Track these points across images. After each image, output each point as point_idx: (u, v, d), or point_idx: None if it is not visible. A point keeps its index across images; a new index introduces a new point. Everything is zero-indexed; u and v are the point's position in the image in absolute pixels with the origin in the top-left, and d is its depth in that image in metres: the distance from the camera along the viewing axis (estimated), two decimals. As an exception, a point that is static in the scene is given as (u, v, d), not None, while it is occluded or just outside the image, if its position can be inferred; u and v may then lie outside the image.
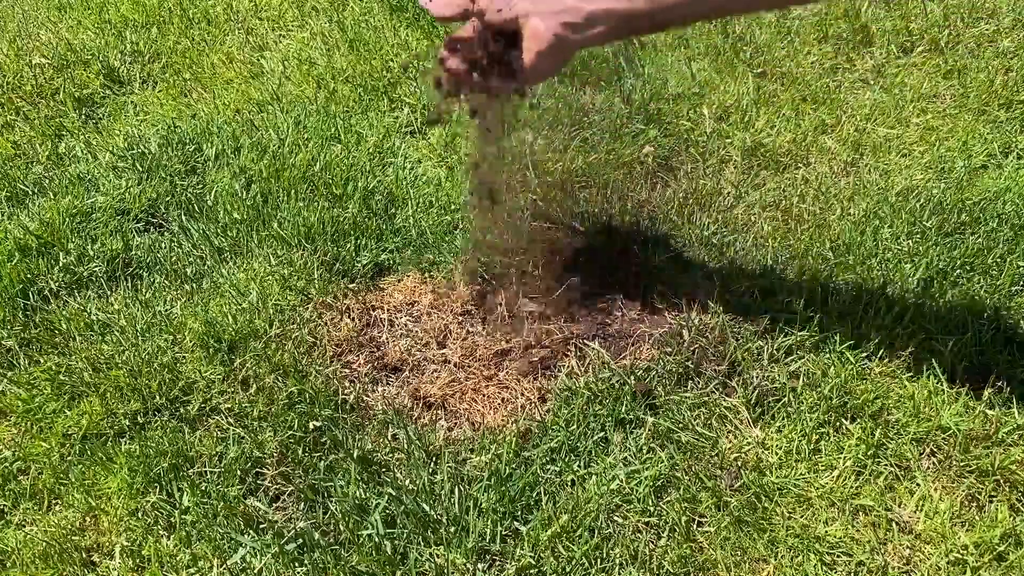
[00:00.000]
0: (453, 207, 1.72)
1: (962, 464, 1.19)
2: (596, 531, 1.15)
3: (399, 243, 1.65)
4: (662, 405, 1.31)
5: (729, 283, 1.50)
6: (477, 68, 1.04)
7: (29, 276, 1.64)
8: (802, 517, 1.16)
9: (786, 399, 1.30)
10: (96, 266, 1.66)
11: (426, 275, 1.60)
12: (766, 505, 1.17)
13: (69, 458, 1.33)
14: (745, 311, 1.45)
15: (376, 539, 1.15)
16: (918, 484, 1.19)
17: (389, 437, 1.31)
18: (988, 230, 1.55)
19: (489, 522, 1.16)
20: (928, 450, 1.23)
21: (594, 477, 1.22)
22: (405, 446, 1.28)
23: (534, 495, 1.20)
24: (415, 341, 1.48)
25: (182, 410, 1.37)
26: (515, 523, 1.17)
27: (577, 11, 0.89)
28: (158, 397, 1.38)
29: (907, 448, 1.22)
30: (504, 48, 1.01)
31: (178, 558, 1.18)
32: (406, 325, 1.51)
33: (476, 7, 0.97)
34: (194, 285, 1.61)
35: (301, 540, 1.17)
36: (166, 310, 1.55)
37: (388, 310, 1.54)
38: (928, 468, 1.21)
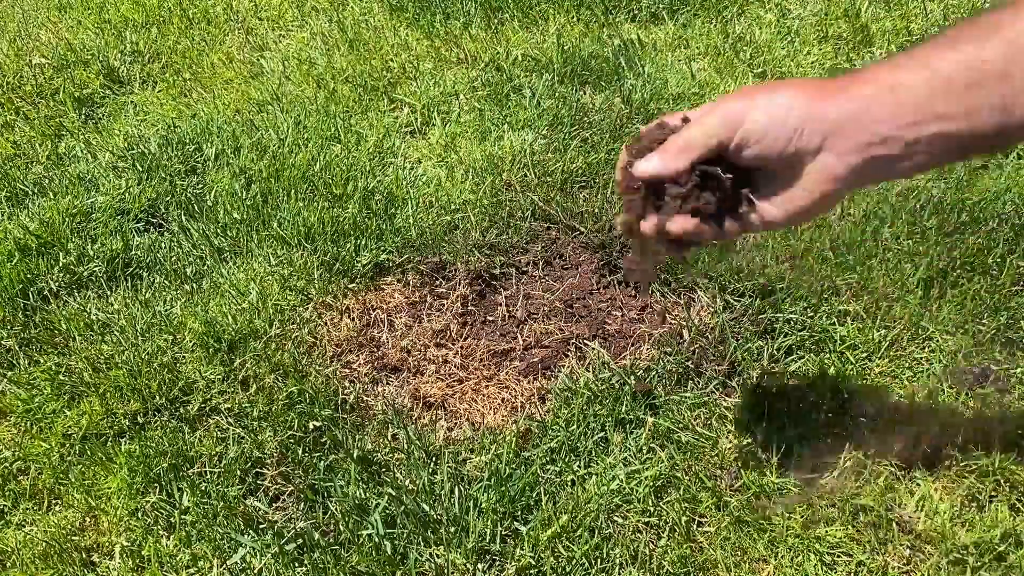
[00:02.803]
0: (453, 207, 1.72)
1: (962, 464, 1.19)
2: (596, 531, 1.15)
3: (399, 243, 1.65)
4: (662, 405, 1.31)
5: (729, 283, 1.50)
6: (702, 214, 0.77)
7: (29, 276, 1.64)
8: (802, 517, 1.16)
9: (786, 399, 1.30)
10: (96, 266, 1.66)
11: (426, 275, 1.60)
12: (766, 505, 1.17)
13: (69, 458, 1.33)
14: (745, 311, 1.45)
15: (376, 539, 1.15)
16: (918, 484, 1.19)
17: (389, 437, 1.31)
18: (988, 230, 1.55)
19: (489, 522, 1.16)
20: (928, 450, 1.23)
21: (594, 477, 1.22)
22: (405, 446, 1.27)
23: (534, 495, 1.20)
24: (415, 341, 1.48)
25: (182, 410, 1.37)
26: (515, 523, 1.17)
27: (895, 140, 0.68)
28: (158, 397, 1.38)
29: (907, 448, 1.22)
30: (735, 187, 0.76)
31: (178, 558, 1.18)
32: (406, 325, 1.51)
33: (738, 138, 0.73)
34: (194, 285, 1.61)
35: (301, 540, 1.17)
36: (166, 310, 1.55)
37: (388, 310, 1.54)
38: (928, 468, 1.21)
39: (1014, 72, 0.63)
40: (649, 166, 0.77)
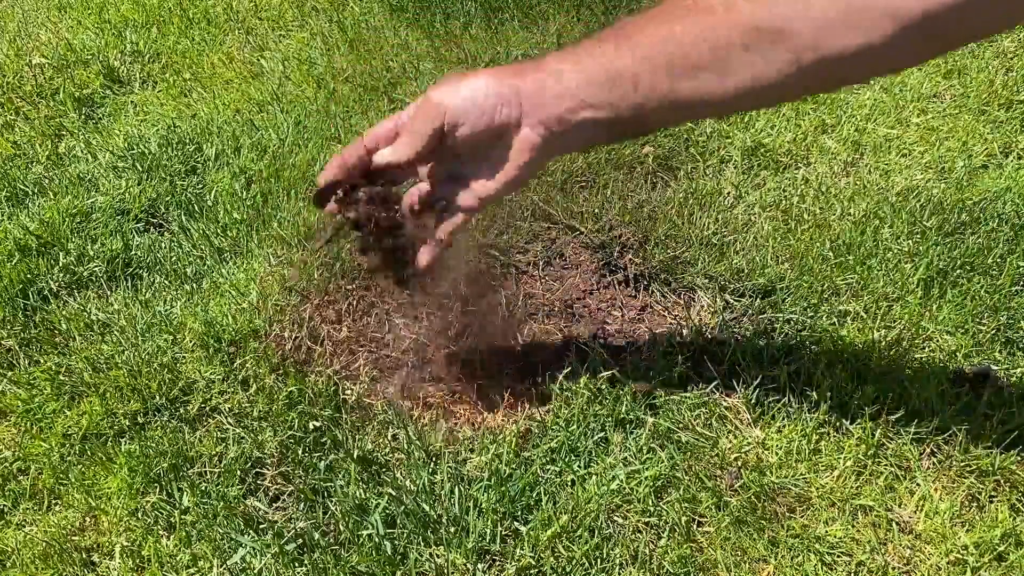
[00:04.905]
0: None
1: (962, 464, 1.19)
2: (596, 531, 1.15)
3: (399, 243, 1.65)
4: (662, 405, 1.31)
5: (729, 283, 1.50)
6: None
7: (29, 276, 1.64)
8: (802, 517, 1.16)
9: (786, 399, 1.30)
10: (96, 266, 1.66)
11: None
12: (766, 505, 1.17)
13: (69, 458, 1.33)
14: (745, 311, 1.45)
15: (376, 539, 1.15)
16: (918, 484, 1.19)
17: (389, 437, 1.31)
18: (988, 230, 1.55)
19: (489, 522, 1.16)
20: (928, 450, 1.23)
21: (594, 477, 1.22)
22: (405, 446, 1.27)
23: (534, 495, 1.20)
24: (416, 341, 1.48)
25: (182, 410, 1.37)
26: (515, 523, 1.17)
27: (565, 120, 0.81)
28: (158, 397, 1.38)
29: (907, 448, 1.22)
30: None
31: (178, 558, 1.18)
32: (406, 325, 1.51)
33: (448, 120, 0.85)
34: (194, 285, 1.61)
35: (301, 540, 1.17)
36: (166, 310, 1.55)
37: (388, 310, 1.54)
38: (928, 468, 1.21)
39: (641, 75, 0.76)
40: (384, 154, 0.91)
